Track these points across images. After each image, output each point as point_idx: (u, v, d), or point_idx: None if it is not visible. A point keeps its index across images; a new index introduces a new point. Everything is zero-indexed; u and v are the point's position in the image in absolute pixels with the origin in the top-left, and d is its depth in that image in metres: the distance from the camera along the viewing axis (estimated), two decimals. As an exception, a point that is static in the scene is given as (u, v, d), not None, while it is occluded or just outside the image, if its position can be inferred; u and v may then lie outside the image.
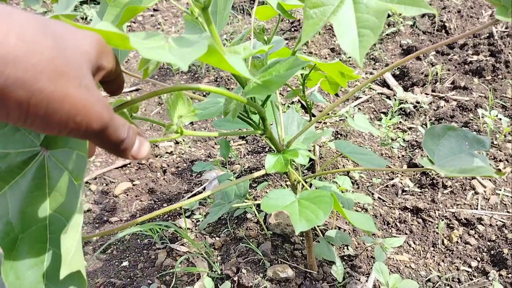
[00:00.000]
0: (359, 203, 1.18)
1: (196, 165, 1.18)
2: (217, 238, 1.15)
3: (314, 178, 1.11)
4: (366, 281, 0.98)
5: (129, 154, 0.38)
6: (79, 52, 0.32)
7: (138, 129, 0.40)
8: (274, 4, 0.78)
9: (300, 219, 0.63)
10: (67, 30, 0.32)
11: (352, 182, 1.26)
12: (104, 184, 1.43)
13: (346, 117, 1.52)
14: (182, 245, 1.15)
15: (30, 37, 0.28)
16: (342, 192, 1.09)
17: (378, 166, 0.93)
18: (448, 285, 0.97)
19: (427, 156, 0.79)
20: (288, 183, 1.28)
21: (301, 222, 0.62)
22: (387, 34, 2.06)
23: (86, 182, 1.43)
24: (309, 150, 1.25)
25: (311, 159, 1.31)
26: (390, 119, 1.38)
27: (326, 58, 1.98)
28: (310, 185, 1.13)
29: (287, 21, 2.35)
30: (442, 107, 1.57)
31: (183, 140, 1.61)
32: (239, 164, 1.44)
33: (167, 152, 1.57)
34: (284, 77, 0.58)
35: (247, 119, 0.76)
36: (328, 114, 1.64)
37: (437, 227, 1.10)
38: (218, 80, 1.97)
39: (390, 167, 1.31)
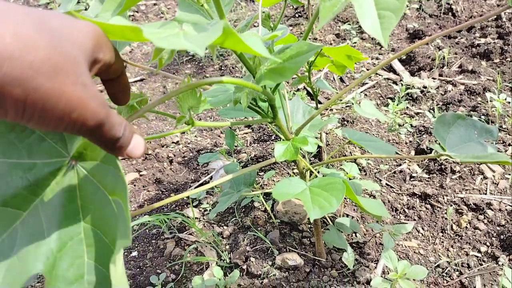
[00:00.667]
0: (366, 190, 1.17)
1: (202, 156, 1.18)
2: (225, 227, 1.15)
3: (322, 166, 1.11)
4: (375, 267, 0.98)
5: (124, 152, 0.38)
6: (76, 45, 0.32)
7: (135, 127, 0.40)
8: None
9: (314, 207, 0.63)
10: (64, 23, 0.32)
11: (359, 169, 1.26)
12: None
13: (353, 104, 1.51)
14: (191, 234, 1.15)
15: (25, 35, 0.28)
16: (350, 179, 1.08)
17: (387, 153, 0.92)
18: (457, 270, 0.96)
19: (439, 143, 0.79)
20: (295, 171, 1.28)
21: (314, 210, 0.62)
22: (392, 18, 2.03)
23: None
24: (316, 138, 1.25)
25: (318, 146, 1.31)
26: (397, 105, 1.37)
27: (331, 44, 1.95)
28: (318, 173, 1.12)
29: (291, 7, 2.32)
30: (450, 91, 1.55)
31: (189, 130, 1.61)
32: (245, 152, 1.43)
33: (173, 142, 1.57)
34: (298, 62, 0.57)
35: (256, 107, 0.75)
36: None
37: (445, 213, 1.10)
38: (222, 68, 1.96)
39: (398, 153, 1.30)
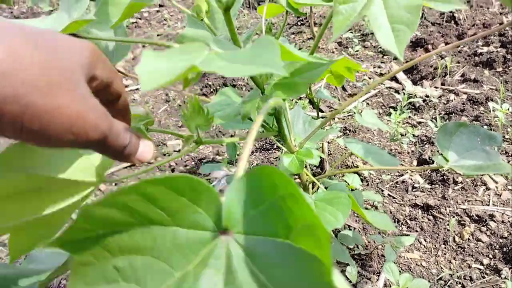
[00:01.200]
0: (368, 201, 1.17)
1: (204, 166, 1.18)
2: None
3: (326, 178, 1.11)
4: (377, 280, 0.97)
5: (134, 158, 0.38)
6: (72, 60, 0.31)
7: (140, 134, 0.40)
8: (283, 2, 0.77)
9: None
10: (59, 40, 0.32)
11: (361, 179, 1.26)
12: (114, 184, 1.44)
13: (354, 113, 1.51)
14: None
15: (19, 51, 0.28)
16: (352, 190, 1.08)
17: (390, 165, 0.93)
18: (459, 283, 0.96)
19: (442, 154, 0.79)
20: (297, 180, 1.27)
21: None
22: (395, 26, 2.03)
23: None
24: (317, 148, 1.25)
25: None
26: (399, 115, 1.37)
27: (333, 52, 1.96)
28: (321, 184, 1.12)
29: (293, 15, 2.33)
30: (452, 100, 1.54)
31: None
32: (247, 161, 1.43)
33: (175, 151, 1.57)
34: (312, 77, 0.57)
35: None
36: (336, 109, 1.62)
37: (448, 224, 1.09)
38: (223, 77, 1.96)
39: (402, 165, 1.30)
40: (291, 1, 0.75)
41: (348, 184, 1.04)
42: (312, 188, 0.93)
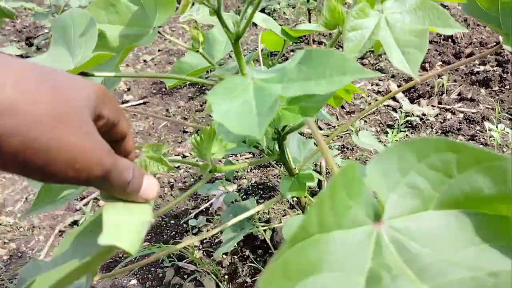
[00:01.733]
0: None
1: (202, 186, 1.19)
2: (224, 256, 1.16)
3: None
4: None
5: (137, 195, 0.37)
6: (79, 98, 0.32)
7: (144, 171, 0.40)
8: (277, 31, 0.79)
9: None
10: (67, 78, 0.32)
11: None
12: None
13: (352, 130, 1.53)
14: (190, 263, 1.16)
15: (26, 86, 0.29)
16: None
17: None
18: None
19: None
20: (295, 198, 1.28)
21: None
22: (393, 44, 2.06)
23: (95, 198, 1.45)
24: (315, 169, 1.26)
25: (318, 173, 1.32)
26: (395, 135, 1.38)
27: (332, 69, 1.98)
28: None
29: (293, 32, 2.36)
30: (449, 119, 1.56)
31: (190, 154, 1.62)
32: (245, 178, 1.44)
33: (175, 167, 1.58)
34: (321, 101, 0.58)
35: (259, 144, 0.77)
36: (334, 126, 1.64)
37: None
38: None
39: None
40: (286, 29, 0.77)
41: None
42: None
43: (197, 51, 0.65)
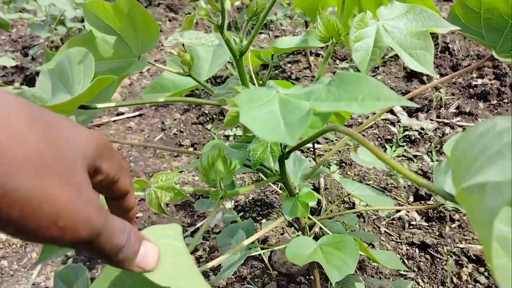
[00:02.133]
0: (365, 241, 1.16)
1: (199, 202, 1.17)
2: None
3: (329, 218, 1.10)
4: (374, 324, 0.95)
5: (131, 264, 0.31)
6: (73, 144, 0.28)
7: (142, 235, 0.34)
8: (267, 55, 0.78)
9: (331, 268, 0.62)
10: (63, 122, 0.29)
11: (358, 215, 1.24)
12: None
13: (350, 145, 1.51)
14: (186, 283, 1.13)
15: (14, 126, 0.25)
16: (346, 230, 1.07)
17: (386, 206, 0.93)
18: (458, 328, 0.94)
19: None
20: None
21: (333, 272, 0.61)
22: (390, 57, 2.05)
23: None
24: (313, 188, 1.24)
25: (317, 190, 1.30)
26: (394, 150, 1.37)
27: (329, 81, 1.97)
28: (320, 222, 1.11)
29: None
30: (448, 134, 1.55)
31: (186, 170, 1.60)
32: (243, 195, 1.42)
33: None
34: (327, 115, 0.58)
35: (261, 166, 0.75)
36: (332, 141, 1.62)
37: (445, 264, 1.08)
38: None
39: (398, 201, 1.29)
40: (262, 52, 0.76)
41: (345, 224, 1.03)
42: (309, 229, 0.92)
43: (188, 75, 0.64)
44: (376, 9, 0.60)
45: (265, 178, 0.79)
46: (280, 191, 1.23)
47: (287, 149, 0.74)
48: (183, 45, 0.63)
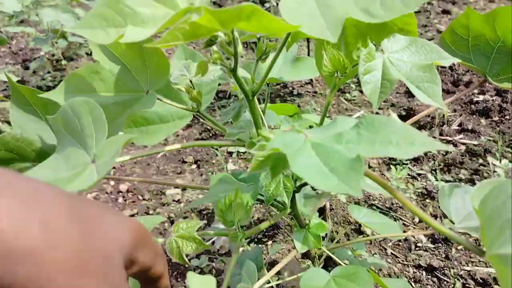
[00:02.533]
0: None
1: (213, 227, 1.17)
2: (228, 301, 1.13)
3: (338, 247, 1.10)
4: None
5: None
6: (111, 240, 0.28)
7: None
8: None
9: None
10: (99, 213, 0.29)
11: (364, 236, 1.25)
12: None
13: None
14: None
15: (54, 225, 0.25)
16: (355, 256, 1.07)
17: (393, 231, 0.93)
18: None
19: (447, 217, 0.80)
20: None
21: None
22: (391, 72, 2.06)
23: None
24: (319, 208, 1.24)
25: (322, 210, 1.30)
26: (400, 171, 1.37)
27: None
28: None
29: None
30: (451, 152, 1.56)
31: (192, 189, 1.60)
32: (248, 214, 1.42)
33: (174, 200, 1.55)
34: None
35: (276, 201, 0.75)
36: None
37: (453, 287, 1.08)
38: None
39: (404, 222, 1.30)
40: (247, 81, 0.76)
41: (354, 250, 1.03)
42: (319, 258, 0.92)
43: (197, 111, 0.64)
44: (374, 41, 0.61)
45: (274, 209, 0.79)
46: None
47: (298, 183, 0.75)
48: (190, 81, 0.63)
